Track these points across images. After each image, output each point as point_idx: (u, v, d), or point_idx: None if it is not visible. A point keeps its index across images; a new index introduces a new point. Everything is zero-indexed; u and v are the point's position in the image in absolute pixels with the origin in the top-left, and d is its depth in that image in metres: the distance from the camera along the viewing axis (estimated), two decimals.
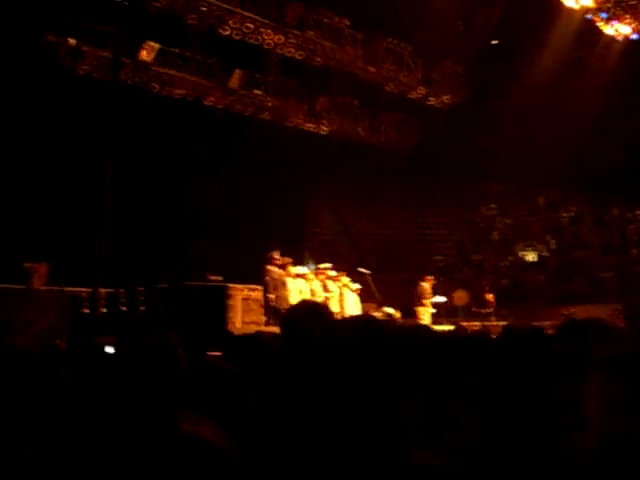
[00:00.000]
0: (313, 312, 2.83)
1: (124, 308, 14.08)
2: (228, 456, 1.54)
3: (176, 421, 1.58)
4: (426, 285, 18.37)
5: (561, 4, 18.34)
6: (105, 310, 13.66)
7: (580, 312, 14.91)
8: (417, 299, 18.21)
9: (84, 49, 16.10)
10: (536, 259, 23.93)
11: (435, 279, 19.67)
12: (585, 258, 22.65)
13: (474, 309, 20.36)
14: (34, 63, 15.33)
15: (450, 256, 24.82)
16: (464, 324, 12.60)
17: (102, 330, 11.25)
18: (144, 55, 17.05)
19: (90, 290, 12.82)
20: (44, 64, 15.56)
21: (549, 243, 24.15)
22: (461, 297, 21.44)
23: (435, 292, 18.70)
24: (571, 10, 18.65)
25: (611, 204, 23.65)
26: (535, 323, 11.36)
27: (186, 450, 1.53)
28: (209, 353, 6.33)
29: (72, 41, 15.65)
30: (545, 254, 23.93)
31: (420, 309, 17.97)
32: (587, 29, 19.45)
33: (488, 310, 19.88)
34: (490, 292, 20.83)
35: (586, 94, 20.09)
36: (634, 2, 18.59)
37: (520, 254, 24.26)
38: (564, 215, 24.58)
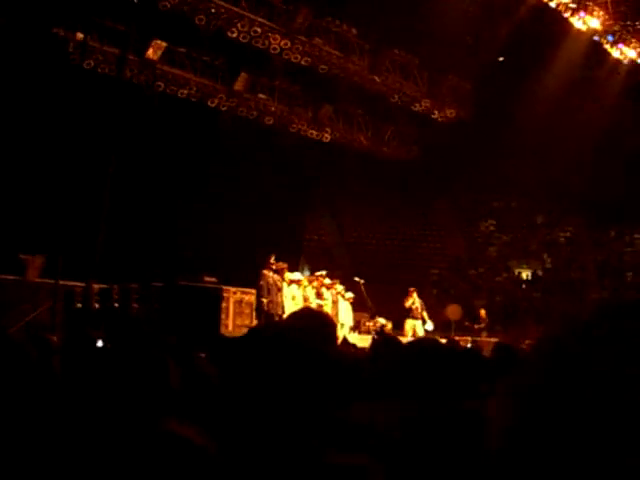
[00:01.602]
0: (314, 320, 2.83)
1: (117, 305, 14.08)
2: (205, 453, 1.55)
3: (158, 421, 1.59)
4: (411, 298, 18.25)
5: (570, 25, 18.42)
6: (98, 305, 13.66)
7: None
8: (406, 312, 18.11)
9: (91, 44, 16.12)
10: (531, 277, 23.96)
11: (430, 292, 19.63)
12: (580, 278, 22.69)
13: (467, 324, 20.34)
14: (42, 56, 15.35)
15: (446, 270, 24.83)
16: (456, 338, 12.60)
17: (94, 325, 11.23)
18: (151, 53, 17.07)
19: (84, 285, 12.80)
20: (51, 57, 15.59)
21: (545, 261, 24.19)
22: (454, 311, 21.41)
23: (425, 305, 18.55)
24: (579, 31, 18.74)
25: (609, 226, 23.70)
26: (527, 341, 11.38)
27: (162, 446, 1.53)
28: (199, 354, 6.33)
29: (80, 35, 15.67)
30: (540, 272, 23.96)
31: (410, 322, 17.85)
32: (594, 50, 19.54)
33: (480, 326, 19.86)
34: (483, 308, 20.83)
35: (590, 115, 20.18)
36: None
37: (515, 271, 24.28)
38: (561, 235, 24.63)
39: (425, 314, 18.21)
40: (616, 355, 0.97)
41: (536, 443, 0.97)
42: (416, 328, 17.50)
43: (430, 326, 17.99)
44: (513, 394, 1.05)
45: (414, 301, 18.04)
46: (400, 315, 17.98)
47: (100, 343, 6.45)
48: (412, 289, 18.26)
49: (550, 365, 1.03)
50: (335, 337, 2.89)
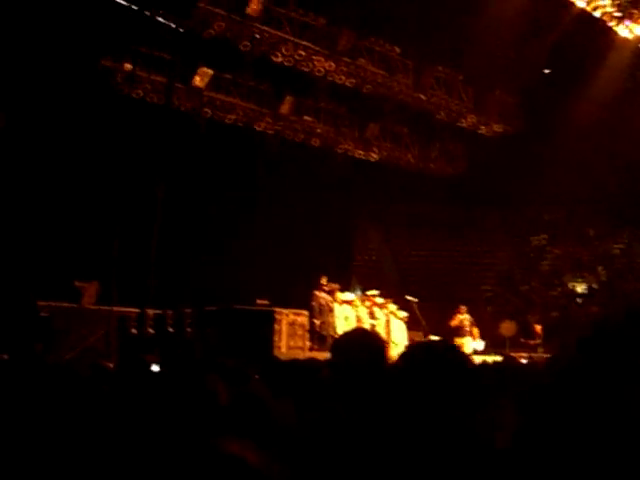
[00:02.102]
0: (365, 340, 2.83)
1: (171, 329, 14.22)
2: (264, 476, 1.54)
3: (217, 444, 1.58)
4: (461, 316, 18.11)
5: (615, 33, 18.20)
6: (152, 331, 13.82)
7: None
8: (455, 330, 17.97)
9: (139, 74, 16.43)
10: (586, 290, 23.57)
11: (484, 309, 19.44)
12: (636, 290, 22.24)
13: (522, 340, 20.07)
14: (91, 87, 15.69)
15: (498, 285, 24.57)
16: (512, 355, 12.43)
17: (149, 350, 11.35)
18: (197, 81, 17.33)
19: (138, 310, 12.97)
20: (100, 88, 15.93)
21: (600, 274, 23.78)
22: (508, 328, 21.17)
23: (475, 322, 18.38)
24: (625, 40, 18.50)
25: None
26: None
27: (228, 473, 1.52)
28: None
29: (128, 66, 15.99)
30: (595, 285, 23.56)
31: (457, 340, 17.68)
32: None
33: (536, 342, 19.59)
34: (538, 323, 20.54)
35: (639, 125, 19.86)
36: None
37: (570, 285, 23.92)
38: (615, 246, 24.19)
39: (476, 331, 18.05)
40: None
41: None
42: (464, 346, 17.34)
43: (480, 345, 17.80)
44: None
45: (463, 319, 17.90)
46: (450, 334, 17.85)
47: (156, 368, 6.53)
48: (461, 307, 18.13)
49: (581, 365, 1.03)
50: (385, 355, 2.88)
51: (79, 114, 15.24)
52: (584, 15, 17.79)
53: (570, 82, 19.97)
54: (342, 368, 2.80)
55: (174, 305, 14.49)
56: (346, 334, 3.44)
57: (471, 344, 17.69)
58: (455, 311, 18.17)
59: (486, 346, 18.05)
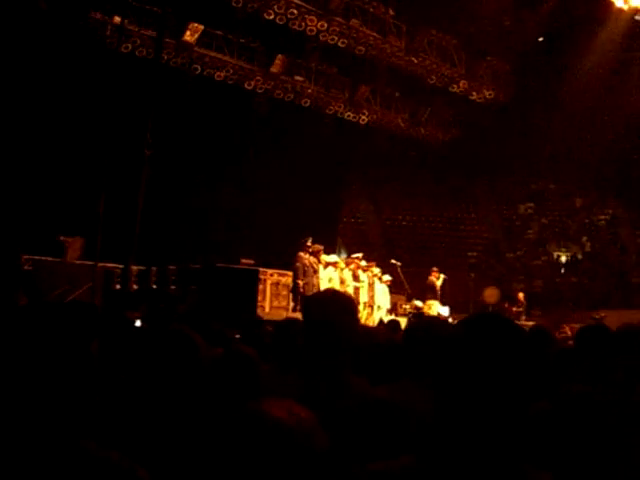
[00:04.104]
0: (336, 300, 2.83)
1: (155, 286, 14.22)
2: (313, 449, 1.50)
3: (258, 408, 1.54)
4: (433, 279, 18.12)
5: (610, 4, 18.10)
6: (136, 287, 13.80)
7: (611, 317, 14.75)
8: (426, 291, 18.01)
9: (129, 28, 16.20)
10: (570, 260, 23.71)
11: (467, 275, 19.53)
12: (620, 262, 22.39)
13: (505, 307, 20.20)
14: (79, 39, 15.49)
15: (483, 252, 24.68)
16: None
17: (132, 306, 11.35)
18: (188, 36, 17.12)
19: (122, 266, 12.94)
20: (89, 41, 15.72)
21: (584, 245, 23.91)
22: (492, 294, 21.31)
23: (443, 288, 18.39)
24: (620, 10, 18.40)
25: None
26: (565, 325, 11.26)
27: (264, 436, 1.48)
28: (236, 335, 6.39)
29: (117, 19, 15.77)
30: (579, 256, 23.70)
31: (428, 303, 17.73)
32: (635, 30, 19.19)
33: (519, 309, 19.73)
34: (521, 291, 20.68)
35: (630, 97, 19.83)
36: None
37: (554, 254, 24.05)
38: (600, 217, 24.30)
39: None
40: None
41: None
42: (432, 307, 17.45)
43: (445, 310, 17.87)
44: None
45: (435, 282, 17.95)
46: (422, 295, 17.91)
47: (138, 323, 6.53)
48: (433, 269, 18.15)
49: None
50: (356, 314, 2.89)
51: (67, 67, 15.06)
52: None
53: (563, 52, 19.90)
54: (313, 326, 2.80)
55: (159, 262, 14.48)
56: (316, 293, 3.45)
57: (439, 309, 17.78)
58: (429, 273, 18.21)
59: (451, 312, 18.07)
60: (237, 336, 6.19)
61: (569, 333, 9.20)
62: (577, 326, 8.55)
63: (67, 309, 2.87)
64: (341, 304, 2.78)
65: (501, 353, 1.58)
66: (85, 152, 14.96)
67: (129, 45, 16.44)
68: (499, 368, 1.56)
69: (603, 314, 16.50)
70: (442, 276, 17.96)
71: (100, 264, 12.95)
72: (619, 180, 21.76)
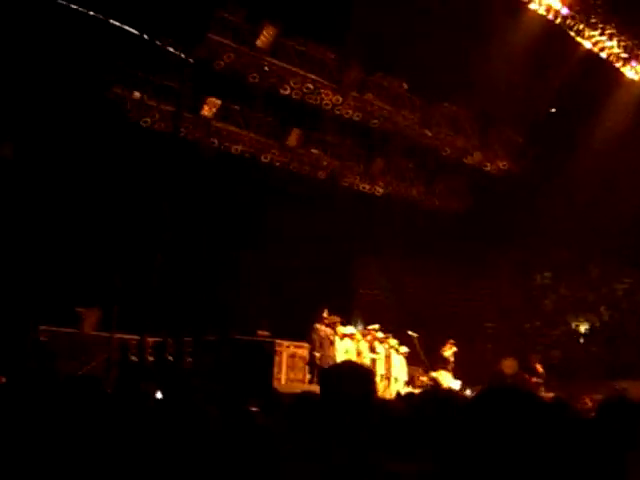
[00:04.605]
0: (353, 373, 2.82)
1: (171, 358, 14.17)
2: None
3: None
4: (448, 350, 17.96)
5: (622, 75, 18.32)
6: (152, 359, 13.76)
7: (632, 387, 14.53)
8: (440, 362, 17.85)
9: (148, 102, 16.52)
10: (589, 330, 23.46)
11: (485, 346, 19.31)
12: (638, 332, 22.13)
13: (525, 377, 19.90)
14: (101, 114, 15.80)
15: (500, 322, 24.47)
16: None
17: (149, 378, 11.30)
18: (206, 110, 17.42)
19: (138, 338, 12.93)
20: (110, 115, 16.03)
21: (603, 314, 23.68)
22: (510, 365, 21.03)
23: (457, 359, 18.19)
24: (631, 81, 18.62)
25: None
26: (586, 396, 11.09)
27: None
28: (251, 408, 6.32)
29: (137, 94, 16.10)
30: (598, 325, 23.46)
31: (441, 373, 17.53)
32: None
33: (538, 380, 19.44)
34: (539, 362, 20.42)
35: None
36: None
37: (573, 324, 23.81)
38: (619, 287, 24.11)
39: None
40: None
41: None
42: (442, 378, 17.27)
43: (456, 384, 17.64)
44: None
45: (450, 354, 17.81)
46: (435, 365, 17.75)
47: (159, 395, 6.51)
48: (449, 341, 18.04)
49: None
50: (374, 386, 2.87)
51: (88, 142, 15.33)
52: (591, 56, 17.93)
53: (576, 122, 20.06)
54: (330, 400, 2.78)
55: (174, 333, 14.46)
56: (334, 366, 3.43)
57: (449, 381, 17.58)
58: (444, 344, 18.07)
59: (462, 386, 17.82)
60: (254, 409, 6.13)
61: (590, 404, 9.06)
62: (598, 397, 8.44)
63: (71, 383, 2.86)
64: (358, 376, 2.76)
65: (523, 427, 1.55)
66: (103, 224, 15.11)
67: (148, 119, 16.73)
68: (520, 442, 1.54)
69: (625, 385, 16.24)
70: (453, 348, 17.83)
71: (116, 335, 12.96)
72: (636, 250, 21.65)
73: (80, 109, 15.17)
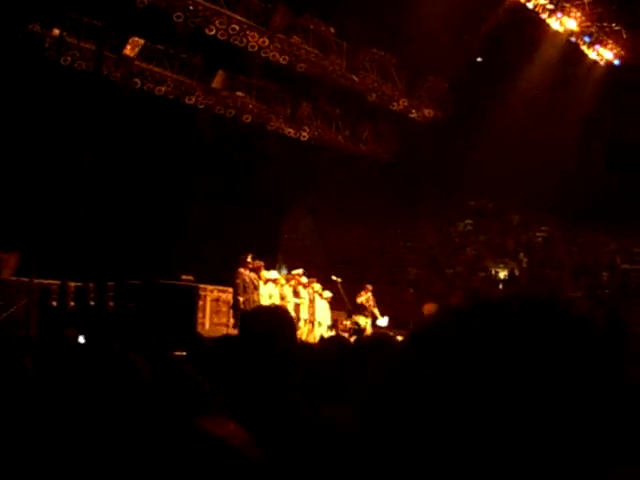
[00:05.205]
0: (272, 315, 2.82)
1: (93, 303, 13.98)
2: (253, 467, 1.47)
3: (197, 423, 1.51)
4: (365, 295, 18.20)
5: (547, 25, 18.54)
6: (74, 304, 13.56)
7: None
8: (359, 308, 18.07)
9: (68, 40, 15.97)
10: (507, 276, 24.07)
11: (407, 291, 19.60)
12: (556, 278, 22.81)
13: None
14: (17, 52, 15.21)
15: (423, 268, 24.88)
16: None
17: (70, 323, 11.14)
18: (128, 50, 16.95)
19: (59, 283, 12.70)
20: (28, 53, 15.45)
21: (521, 261, 24.31)
22: (431, 310, 21.42)
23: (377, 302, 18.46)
24: (556, 32, 18.86)
25: (585, 226, 23.83)
26: None
27: (206, 454, 1.45)
28: (175, 353, 6.31)
29: (56, 32, 15.54)
30: (517, 272, 24.08)
31: (360, 317, 17.79)
32: (571, 51, 19.68)
33: None
34: None
35: (566, 116, 20.29)
36: (617, 28, 18.82)
37: (492, 270, 24.39)
38: (538, 235, 24.74)
39: (376, 310, 18.19)
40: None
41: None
42: (367, 325, 17.54)
43: (384, 321, 17.95)
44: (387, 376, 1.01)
45: (367, 297, 18.05)
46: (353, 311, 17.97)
47: (81, 339, 6.42)
48: (366, 285, 18.27)
49: (422, 349, 0.96)
50: (294, 330, 2.88)
51: (5, 80, 14.77)
52: (517, 6, 18.08)
53: (501, 71, 20.27)
54: (248, 340, 2.78)
55: (96, 278, 14.24)
56: (253, 309, 3.44)
57: (378, 321, 17.89)
58: (361, 289, 18.29)
59: (389, 324, 18.10)
60: (179, 353, 6.11)
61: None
62: None
63: None
64: (276, 318, 2.76)
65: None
66: (22, 165, 14.68)
67: (68, 58, 16.18)
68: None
69: None
70: (368, 294, 18.04)
71: (36, 280, 12.70)
72: (555, 197, 22.17)
73: None
